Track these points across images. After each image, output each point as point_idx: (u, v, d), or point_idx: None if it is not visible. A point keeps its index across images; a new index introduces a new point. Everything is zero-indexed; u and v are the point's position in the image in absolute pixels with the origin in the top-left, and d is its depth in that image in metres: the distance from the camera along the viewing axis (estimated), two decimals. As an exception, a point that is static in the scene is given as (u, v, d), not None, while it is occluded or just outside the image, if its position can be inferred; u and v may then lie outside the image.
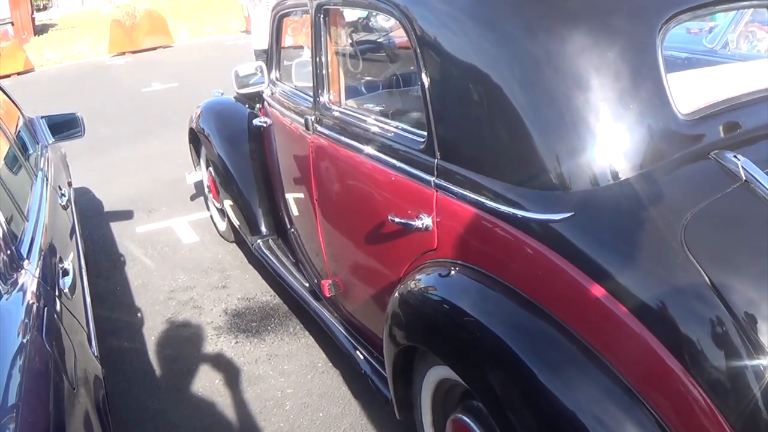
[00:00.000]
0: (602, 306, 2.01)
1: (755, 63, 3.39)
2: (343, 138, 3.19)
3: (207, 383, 4.11)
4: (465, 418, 2.52)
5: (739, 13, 6.57)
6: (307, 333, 4.51)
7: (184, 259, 5.85)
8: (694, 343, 1.86)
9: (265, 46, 8.70)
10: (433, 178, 2.56)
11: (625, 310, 1.96)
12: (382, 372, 3.08)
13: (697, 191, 2.12)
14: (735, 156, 2.12)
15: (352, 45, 4.06)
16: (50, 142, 5.12)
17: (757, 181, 2.03)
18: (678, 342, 1.88)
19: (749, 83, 2.57)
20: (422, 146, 2.64)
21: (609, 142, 2.19)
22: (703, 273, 1.88)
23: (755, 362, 1.79)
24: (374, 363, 3.31)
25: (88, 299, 3.58)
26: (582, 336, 2.07)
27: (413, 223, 2.60)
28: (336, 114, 3.31)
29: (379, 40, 4.65)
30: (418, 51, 2.58)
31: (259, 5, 9.15)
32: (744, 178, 2.06)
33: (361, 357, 3.43)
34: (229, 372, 4.21)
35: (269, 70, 4.46)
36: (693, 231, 1.96)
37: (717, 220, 2.05)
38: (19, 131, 4.56)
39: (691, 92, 2.43)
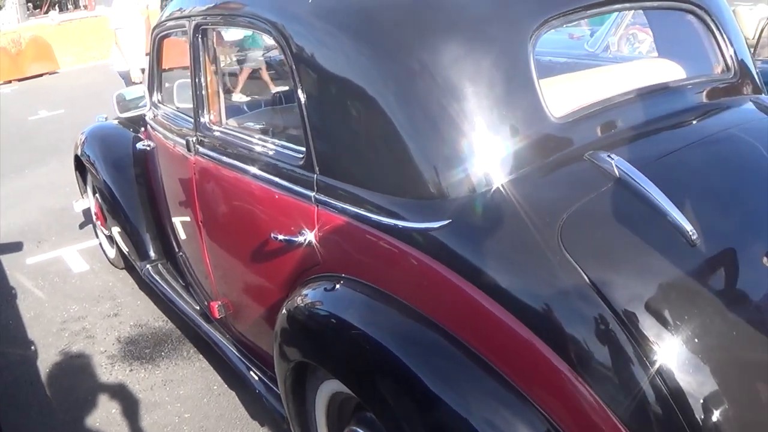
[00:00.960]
0: (486, 311, 2.00)
1: (631, 64, 3.45)
2: (224, 158, 3.13)
3: (104, 413, 4.00)
4: (359, 430, 2.49)
5: (620, 16, 6.73)
6: (201, 356, 4.43)
7: (75, 288, 5.69)
8: (579, 342, 1.87)
9: (121, 68, 9.27)
10: (314, 193, 2.53)
11: (508, 314, 1.96)
12: (276, 390, 3.02)
13: (572, 192, 2.14)
14: (609, 155, 2.15)
15: (232, 64, 4.01)
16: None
17: (631, 178, 2.06)
18: (563, 342, 1.89)
19: (625, 84, 2.63)
20: (301, 162, 2.60)
21: (484, 149, 2.19)
22: (582, 272, 1.89)
23: (639, 356, 1.81)
24: (268, 382, 3.26)
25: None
26: (469, 342, 2.06)
27: (296, 239, 2.56)
28: (217, 134, 3.24)
29: (260, 59, 4.61)
30: (294, 68, 2.54)
31: (126, 30, 9.13)
32: (618, 176, 2.09)
33: (255, 377, 3.37)
34: (126, 400, 4.10)
35: (150, 93, 4.36)
36: (569, 231, 1.97)
37: (593, 219, 2.07)
38: None
39: (566, 96, 2.46)
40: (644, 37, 6.76)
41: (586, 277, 1.88)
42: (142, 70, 8.60)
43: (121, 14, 9.27)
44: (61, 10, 54.00)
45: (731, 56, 2.90)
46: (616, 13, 6.80)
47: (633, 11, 5.16)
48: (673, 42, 3.13)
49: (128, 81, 9.11)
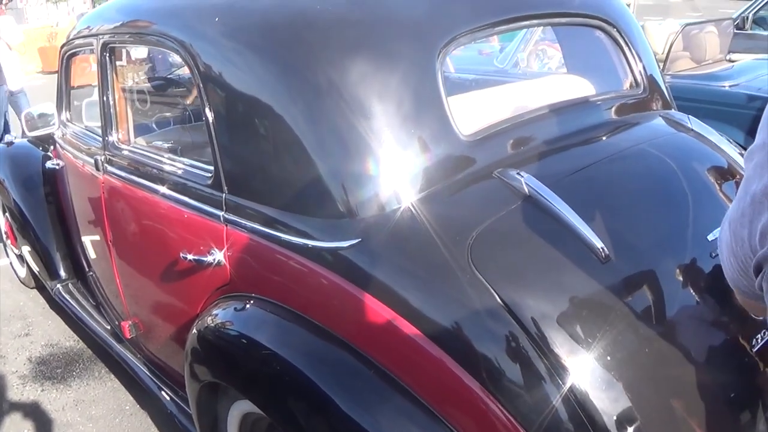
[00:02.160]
0: (396, 330, 1.96)
1: (541, 80, 3.47)
2: (133, 177, 3.03)
3: (14, 434, 3.85)
4: (271, 451, 2.41)
5: (529, 32, 6.79)
6: (112, 376, 4.30)
7: (-15, 308, 5.48)
8: (490, 360, 1.84)
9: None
10: (222, 213, 2.46)
11: (419, 333, 1.92)
12: (188, 410, 2.93)
13: (481, 210, 2.11)
14: (518, 173, 2.13)
15: (141, 83, 3.91)
16: None
17: (541, 195, 2.05)
18: (474, 360, 1.86)
19: (534, 101, 2.63)
20: (210, 181, 2.53)
21: (393, 168, 2.15)
22: (492, 290, 1.87)
23: (551, 374, 1.79)
24: (179, 402, 3.16)
25: None
26: (380, 362, 2.02)
27: (205, 258, 2.49)
28: (125, 153, 3.15)
29: (169, 77, 4.52)
30: (202, 86, 2.48)
31: None
32: (528, 193, 2.07)
33: (167, 397, 3.27)
34: (37, 421, 3.95)
35: (59, 111, 4.23)
36: (479, 249, 1.94)
37: (503, 237, 2.04)
38: None
39: (475, 113, 2.45)
40: (554, 53, 6.85)
41: (496, 295, 1.86)
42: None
43: None
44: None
45: (640, 71, 2.92)
46: (525, 30, 6.88)
47: (542, 27, 5.22)
48: (582, 58, 3.15)
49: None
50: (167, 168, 2.84)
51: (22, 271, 5.62)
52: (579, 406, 1.77)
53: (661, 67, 5.91)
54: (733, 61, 6.52)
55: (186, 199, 2.66)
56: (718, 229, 2.17)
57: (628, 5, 9.52)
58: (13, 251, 5.69)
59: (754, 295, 1.13)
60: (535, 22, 2.93)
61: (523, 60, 7.00)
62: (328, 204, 2.17)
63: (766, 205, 0.97)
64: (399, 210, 2.10)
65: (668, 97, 3.02)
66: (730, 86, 5.74)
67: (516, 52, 6.90)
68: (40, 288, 5.47)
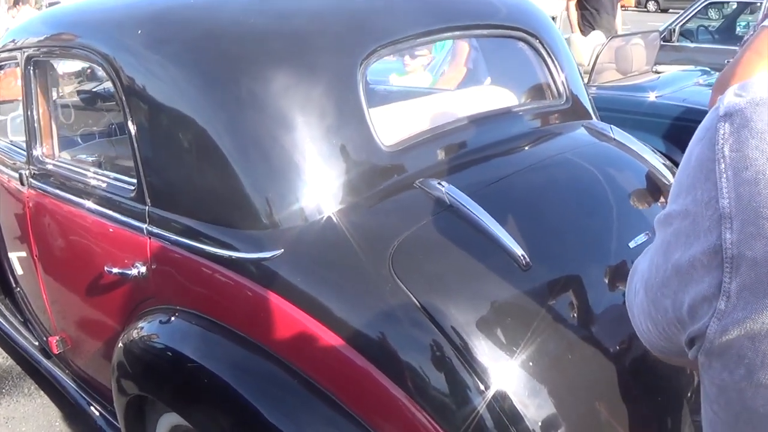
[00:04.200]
0: (321, 340, 1.95)
1: (463, 91, 3.48)
2: (58, 191, 2.97)
3: (-60, 454, 3.74)
4: (199, 464, 2.38)
5: (452, 44, 6.80)
6: (42, 393, 4.20)
7: None
8: (415, 369, 1.84)
9: None
10: (146, 225, 2.41)
11: (344, 343, 1.90)
12: (117, 425, 2.88)
13: (403, 219, 2.10)
14: (439, 183, 2.13)
15: (65, 96, 3.84)
16: None
17: (462, 204, 2.05)
18: (399, 370, 1.85)
19: (456, 111, 2.63)
20: (133, 194, 2.49)
21: (315, 179, 2.14)
22: (414, 299, 1.86)
23: (474, 382, 1.79)
24: (109, 417, 3.10)
25: None
26: (305, 372, 2.00)
27: (129, 272, 2.44)
28: (50, 167, 3.08)
29: (94, 90, 4.45)
30: (124, 99, 2.44)
31: None
32: (449, 203, 2.07)
33: (96, 412, 3.21)
34: (-34, 439, 3.84)
35: (-17, 126, 4.13)
36: (401, 258, 1.94)
37: (424, 246, 2.04)
38: None
39: (397, 124, 2.45)
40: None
41: (418, 304, 1.85)
42: None
43: None
44: None
45: (563, 82, 2.94)
46: (451, 41, 6.89)
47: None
48: (504, 69, 3.17)
49: None
50: (92, 182, 2.78)
51: (-52, 288, 5.47)
52: (503, 413, 1.78)
53: (587, 78, 5.99)
54: (659, 73, 6.62)
55: (110, 212, 2.61)
56: (641, 235, 2.22)
57: (554, 18, 9.65)
58: (-61, 267, 5.52)
59: (674, 353, 1.12)
60: (457, 33, 2.93)
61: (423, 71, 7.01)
62: (251, 216, 2.15)
63: (693, 277, 0.95)
64: (321, 220, 2.09)
65: (591, 108, 3.05)
66: (655, 97, 5.84)
67: (443, 64, 6.92)
68: (-33, 305, 5.34)
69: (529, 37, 2.90)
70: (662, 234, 1.04)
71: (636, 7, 28.91)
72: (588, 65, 6.35)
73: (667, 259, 1.01)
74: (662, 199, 2.50)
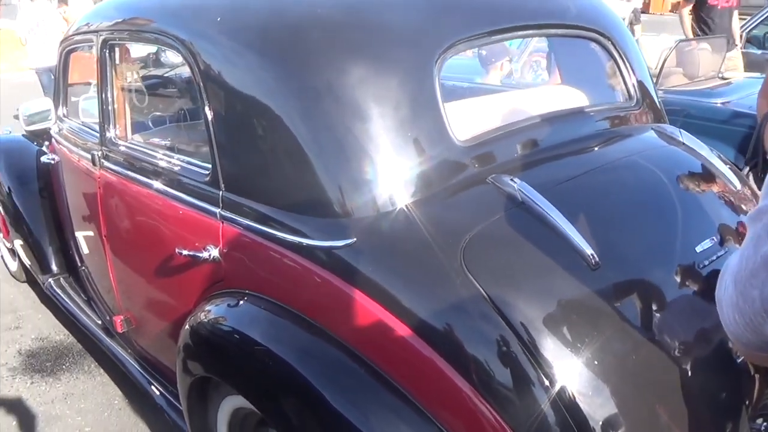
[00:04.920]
0: (389, 329, 1.99)
1: (535, 90, 3.50)
2: (130, 173, 3.05)
3: (4, 426, 3.86)
4: (261, 446, 2.44)
5: (524, 43, 6.81)
6: (102, 371, 4.31)
7: (-25, 301, 5.48)
8: (480, 362, 1.87)
9: (41, 64, 10.43)
10: (219, 210, 2.48)
11: (411, 333, 1.95)
12: (178, 405, 2.96)
13: (475, 214, 2.14)
14: (512, 179, 2.16)
15: (139, 80, 3.92)
16: None
17: (534, 202, 2.08)
18: (465, 362, 1.88)
19: (528, 110, 2.65)
20: (207, 179, 2.55)
21: (388, 170, 2.18)
22: (483, 293, 1.89)
23: (539, 378, 1.82)
24: (170, 397, 3.18)
25: None
26: (372, 360, 2.05)
27: (201, 255, 2.51)
28: (123, 149, 3.17)
29: (167, 75, 4.54)
30: (202, 85, 2.50)
31: (37, 30, 10.63)
32: (521, 200, 2.10)
33: (157, 392, 3.29)
34: (26, 413, 3.96)
35: (56, 107, 4.24)
36: (472, 252, 1.97)
37: (495, 241, 2.07)
38: None
39: (470, 120, 2.47)
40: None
41: (487, 298, 1.89)
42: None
43: (25, 24, 10.76)
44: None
45: (634, 84, 2.95)
46: (520, 40, 6.89)
47: (537, 38, 5.25)
48: (576, 69, 3.18)
49: (44, 82, 10.69)
50: (164, 164, 2.86)
51: (14, 265, 5.62)
52: (567, 409, 1.80)
53: (654, 81, 5.95)
54: (725, 79, 6.54)
55: (183, 195, 2.69)
56: (706, 240, 2.23)
57: (623, 19, 9.56)
58: (4, 244, 5.68)
59: (759, 348, 1.15)
60: (531, 32, 2.96)
61: (517, 70, 7.02)
62: (324, 204, 2.20)
63: None
64: (394, 212, 2.14)
65: (660, 111, 3.05)
66: (722, 103, 5.77)
67: (511, 63, 6.92)
68: (31, 282, 5.48)
69: (601, 38, 2.92)
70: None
71: (701, 12, 28.45)
72: (655, 68, 6.30)
73: (756, 252, 1.04)
74: (728, 204, 2.50)
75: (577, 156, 2.57)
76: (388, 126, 2.21)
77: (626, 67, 2.95)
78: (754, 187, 2.69)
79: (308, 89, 2.28)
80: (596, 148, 2.61)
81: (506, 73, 5.70)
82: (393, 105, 2.23)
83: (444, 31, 2.42)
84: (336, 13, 2.43)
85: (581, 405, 1.81)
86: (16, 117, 4.84)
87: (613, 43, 2.93)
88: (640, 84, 2.97)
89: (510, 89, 4.17)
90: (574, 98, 2.93)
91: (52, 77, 9.79)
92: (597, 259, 1.99)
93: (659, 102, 3.08)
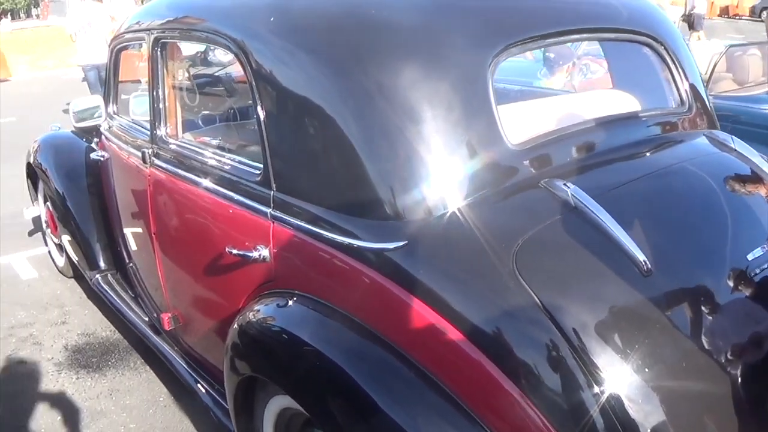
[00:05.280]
0: (438, 332, 2.00)
1: (587, 94, 3.48)
2: (180, 171, 3.09)
3: (49, 420, 3.91)
4: (307, 446, 2.45)
5: (574, 46, 6.78)
6: (148, 368, 4.35)
7: (23, 295, 5.56)
8: (530, 366, 1.88)
9: (88, 62, 10.99)
10: (270, 210, 2.51)
11: (461, 336, 1.96)
12: (224, 404, 2.99)
13: (528, 218, 2.15)
14: (565, 184, 2.16)
15: (189, 78, 3.97)
16: None
17: (586, 207, 2.08)
18: (514, 365, 1.89)
19: (581, 114, 2.65)
20: (258, 178, 2.58)
21: (441, 173, 2.19)
22: (535, 297, 1.90)
23: (589, 383, 1.83)
24: (216, 395, 3.21)
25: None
26: (420, 362, 2.06)
27: (251, 254, 2.53)
28: (173, 147, 3.21)
29: (216, 74, 4.58)
30: (254, 84, 2.53)
31: (87, 29, 11.26)
32: (574, 205, 2.10)
33: (203, 390, 3.32)
34: (71, 408, 4.01)
35: (106, 104, 4.30)
36: (524, 257, 1.98)
37: (548, 246, 2.08)
38: None
39: (523, 123, 2.47)
40: (597, 67, 6.83)
41: (539, 303, 1.89)
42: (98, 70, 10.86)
43: (76, 23, 11.40)
44: (13, 18, 53.17)
45: (686, 90, 2.93)
46: (570, 44, 6.85)
47: (587, 42, 5.22)
48: (628, 73, 3.16)
49: (91, 79, 11.35)
50: (215, 163, 2.89)
51: (61, 260, 5.70)
52: (616, 416, 1.80)
53: (704, 86, 5.89)
54: (776, 85, 6.47)
55: (233, 195, 2.71)
56: (758, 249, 2.21)
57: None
58: (52, 240, 5.76)
59: None
60: (585, 35, 2.95)
61: (567, 74, 6.99)
62: (375, 205, 2.21)
63: None
64: (446, 215, 2.14)
65: (713, 117, 3.03)
66: None
67: (574, 66, 6.90)
68: (78, 277, 5.55)
69: (654, 43, 2.90)
70: None
71: (750, 16, 28.22)
72: (705, 74, 6.24)
73: None
74: None
75: (630, 161, 2.56)
76: (440, 128, 2.22)
77: (679, 72, 2.93)
78: None
79: (361, 90, 2.29)
80: (648, 154, 2.60)
81: (569, 75, 5.69)
82: (446, 107, 2.24)
83: (498, 35, 2.42)
84: (391, 15, 2.44)
85: (630, 412, 1.81)
86: (66, 112, 4.91)
87: (665, 48, 2.91)
88: (693, 89, 2.95)
89: (560, 92, 4.15)
90: (626, 103, 2.92)
91: (99, 74, 10.42)
92: (649, 265, 1.99)
93: (711, 108, 3.05)
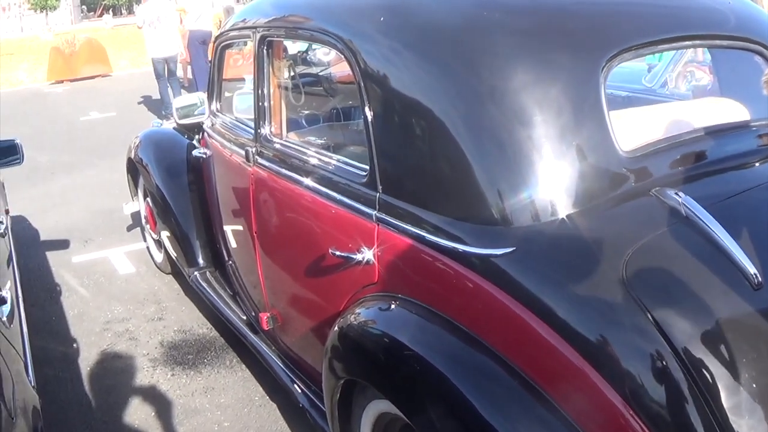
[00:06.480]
0: (543, 340, 2.00)
1: (696, 102, 3.43)
2: (284, 170, 3.15)
3: (143, 415, 4.03)
4: (404, 452, 2.47)
5: (679, 53, 6.67)
6: (243, 366, 4.43)
7: (120, 290, 5.73)
8: (635, 377, 1.87)
9: (158, 55, 12.18)
10: (375, 212, 2.54)
11: (566, 344, 1.95)
12: (321, 406, 3.03)
13: (638, 228, 2.13)
14: (676, 193, 2.14)
15: (294, 78, 4.03)
16: (-12, 169, 4.98)
17: (698, 217, 2.05)
18: (619, 375, 1.88)
19: (691, 122, 2.61)
20: (364, 180, 2.62)
21: (551, 178, 2.20)
22: (644, 309, 1.89)
23: (696, 396, 1.80)
24: (312, 397, 3.26)
25: (25, 328, 3.50)
26: (522, 369, 2.07)
27: (354, 256, 2.57)
28: (277, 146, 3.27)
29: (319, 74, 4.64)
30: (362, 84, 2.57)
31: (156, 24, 12.22)
32: (685, 215, 2.08)
33: (299, 390, 3.37)
34: (165, 404, 4.12)
35: (210, 102, 4.40)
36: (634, 267, 1.97)
37: (658, 257, 2.06)
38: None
39: (632, 130, 2.46)
40: (701, 75, 6.70)
41: (648, 314, 1.88)
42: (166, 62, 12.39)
43: (143, 16, 12.45)
44: (114, 14, 54.67)
45: None
46: (676, 50, 6.73)
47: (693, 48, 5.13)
48: (737, 82, 3.11)
49: (159, 70, 12.48)
50: (319, 164, 2.94)
51: (159, 256, 5.86)
52: (721, 430, 1.78)
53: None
54: None
55: (338, 195, 2.76)
56: None
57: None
58: (151, 236, 5.92)
59: None
60: (697, 42, 2.92)
61: (671, 80, 6.87)
62: (483, 210, 2.23)
63: None
64: (555, 222, 2.15)
65: None
66: None
67: (665, 72, 6.79)
68: (176, 274, 5.70)
69: (766, 51, 2.84)
70: None
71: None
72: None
73: None
74: None
75: (741, 171, 2.52)
76: (551, 133, 2.23)
77: None
78: None
79: (471, 92, 2.32)
80: (758, 164, 2.55)
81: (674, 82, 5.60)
82: (557, 111, 2.25)
83: (611, 39, 2.42)
84: (502, 17, 2.46)
85: (735, 426, 1.78)
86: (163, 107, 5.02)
87: None
88: None
89: (666, 99, 4.09)
90: (735, 111, 2.87)
91: (168, 67, 11.92)
92: (760, 278, 1.95)
93: None
